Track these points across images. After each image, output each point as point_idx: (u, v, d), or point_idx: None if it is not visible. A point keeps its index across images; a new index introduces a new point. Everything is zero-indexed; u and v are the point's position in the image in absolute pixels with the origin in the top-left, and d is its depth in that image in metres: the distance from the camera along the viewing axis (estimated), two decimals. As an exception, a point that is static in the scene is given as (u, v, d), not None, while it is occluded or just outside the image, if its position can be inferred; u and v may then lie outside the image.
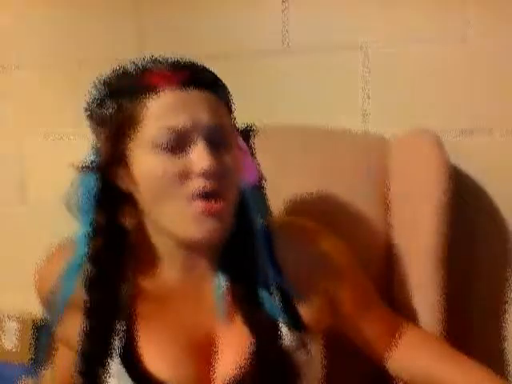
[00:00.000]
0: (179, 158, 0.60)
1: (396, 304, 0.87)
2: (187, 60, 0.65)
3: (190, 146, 0.61)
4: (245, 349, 0.65)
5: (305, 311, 0.69)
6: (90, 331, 0.66)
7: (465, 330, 0.97)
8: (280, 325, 0.66)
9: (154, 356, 0.64)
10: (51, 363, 0.77)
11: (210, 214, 0.60)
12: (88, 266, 0.66)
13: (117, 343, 0.64)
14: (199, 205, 0.60)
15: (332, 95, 1.09)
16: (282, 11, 1.10)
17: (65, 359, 0.72)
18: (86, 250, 0.66)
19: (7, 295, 1.34)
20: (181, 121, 0.60)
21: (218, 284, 0.68)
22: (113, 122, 0.63)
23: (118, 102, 0.63)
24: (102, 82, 0.65)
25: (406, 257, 0.88)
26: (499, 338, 1.01)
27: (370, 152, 0.96)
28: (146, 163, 0.62)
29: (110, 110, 0.63)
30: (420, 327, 0.82)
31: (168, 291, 0.68)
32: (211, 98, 0.63)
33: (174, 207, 0.61)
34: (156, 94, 0.61)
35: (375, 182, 0.93)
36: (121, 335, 0.65)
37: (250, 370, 0.64)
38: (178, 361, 0.64)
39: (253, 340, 0.65)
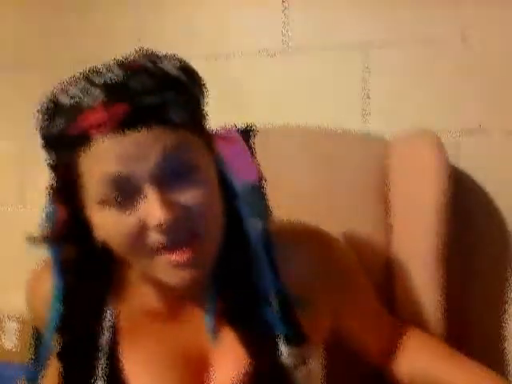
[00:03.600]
0: (130, 212, 0.53)
1: (396, 304, 0.87)
2: (129, 70, 0.54)
3: (139, 196, 0.52)
4: (240, 370, 0.60)
5: (306, 320, 0.64)
6: (72, 357, 0.63)
7: (465, 330, 0.97)
8: (278, 340, 0.61)
9: (141, 376, 0.61)
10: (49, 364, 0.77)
11: (179, 265, 0.54)
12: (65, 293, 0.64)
13: (101, 367, 0.61)
14: (163, 258, 0.54)
15: (332, 95, 1.09)
16: (282, 11, 1.10)
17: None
18: (62, 279, 0.64)
19: (7, 295, 1.34)
20: (117, 171, 0.51)
21: (209, 300, 0.63)
22: (57, 175, 0.58)
23: (54, 152, 0.56)
24: (38, 117, 0.57)
25: (406, 257, 0.88)
26: (499, 337, 1.01)
27: (369, 152, 0.96)
28: (100, 222, 0.55)
29: (51, 160, 0.58)
30: (420, 329, 0.82)
31: (154, 311, 0.64)
32: (158, 131, 0.52)
33: (140, 262, 0.56)
34: (88, 144, 0.52)
35: (375, 182, 0.93)
36: (105, 358, 0.62)
37: None
38: (167, 381, 0.60)
39: (249, 360, 0.60)
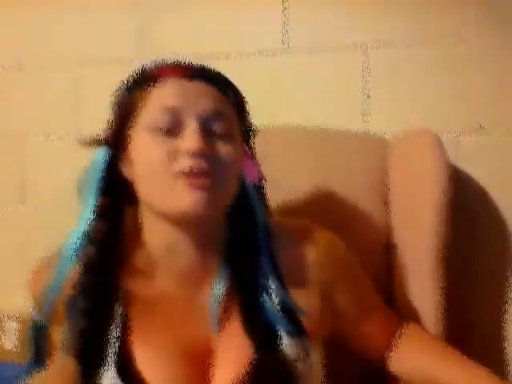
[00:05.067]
0: (172, 139, 0.62)
1: (396, 304, 0.87)
2: (206, 66, 0.68)
3: (183, 129, 0.62)
4: (244, 360, 0.63)
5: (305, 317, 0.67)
6: (84, 336, 0.64)
7: (465, 330, 0.97)
8: (280, 333, 0.65)
9: (150, 366, 0.63)
10: (48, 364, 0.77)
11: (197, 187, 0.60)
12: (84, 261, 0.66)
13: (111, 351, 0.63)
14: (184, 180, 0.60)
15: (332, 95, 1.09)
16: (282, 11, 1.10)
17: (60, 366, 0.69)
18: (79, 248, 0.66)
19: (7, 295, 1.34)
20: (176, 101, 0.62)
21: (215, 292, 0.66)
22: (122, 108, 0.67)
23: (129, 92, 0.66)
24: (124, 79, 0.68)
25: (406, 257, 0.88)
26: (499, 337, 1.01)
27: (369, 152, 0.96)
28: (141, 144, 0.63)
29: (123, 100, 0.67)
30: (420, 327, 0.82)
31: (164, 299, 0.67)
32: (215, 91, 0.65)
33: (162, 184, 0.61)
34: (160, 82, 0.64)
35: (375, 181, 0.93)
36: (115, 342, 0.64)
37: (250, 381, 0.62)
38: (175, 372, 0.63)
39: (252, 351, 0.63)
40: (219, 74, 0.68)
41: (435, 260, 0.82)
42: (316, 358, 0.68)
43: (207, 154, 0.61)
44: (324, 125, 1.01)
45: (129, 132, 0.65)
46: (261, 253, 0.67)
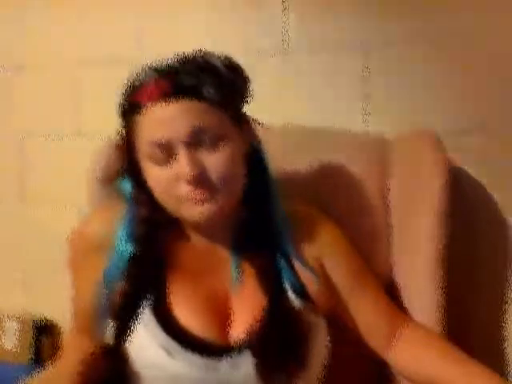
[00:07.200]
0: (169, 166, 0.68)
1: (396, 304, 0.87)
2: (182, 61, 0.70)
3: (174, 155, 0.68)
4: (257, 309, 0.71)
5: (308, 282, 0.75)
6: (129, 281, 0.71)
7: (465, 330, 0.97)
8: (288, 291, 0.73)
9: (183, 310, 0.70)
10: (52, 362, 0.78)
11: (200, 204, 0.68)
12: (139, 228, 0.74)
13: (149, 295, 0.71)
14: (187, 201, 0.68)
15: (332, 95, 1.09)
16: (282, 11, 1.10)
17: (73, 346, 0.76)
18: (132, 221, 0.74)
19: (7, 295, 1.34)
20: (160, 135, 0.67)
21: (235, 256, 0.76)
22: (123, 134, 0.73)
23: (121, 118, 0.72)
24: (117, 103, 0.72)
25: (406, 257, 0.88)
26: (499, 338, 1.01)
27: (370, 152, 0.96)
28: (147, 172, 0.71)
29: (121, 125, 0.72)
30: (422, 325, 0.82)
31: (196, 256, 0.76)
32: (192, 105, 0.67)
33: (172, 202, 0.70)
34: (141, 110, 0.68)
35: (375, 182, 0.93)
36: (154, 287, 0.71)
37: (263, 328, 0.69)
38: (203, 315, 0.70)
39: (265, 301, 0.72)
40: (196, 69, 0.68)
41: (435, 260, 0.82)
42: (322, 325, 0.74)
43: (200, 177, 0.67)
44: (324, 125, 1.01)
45: (136, 155, 0.71)
46: (278, 229, 0.77)
